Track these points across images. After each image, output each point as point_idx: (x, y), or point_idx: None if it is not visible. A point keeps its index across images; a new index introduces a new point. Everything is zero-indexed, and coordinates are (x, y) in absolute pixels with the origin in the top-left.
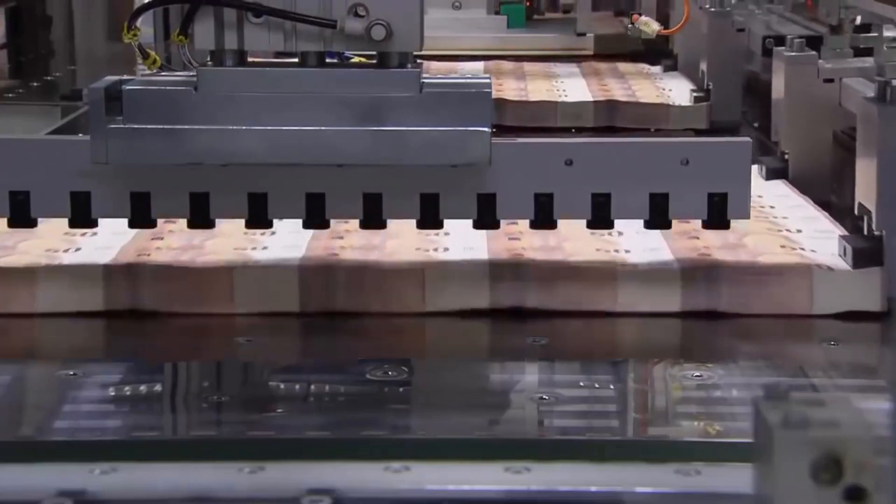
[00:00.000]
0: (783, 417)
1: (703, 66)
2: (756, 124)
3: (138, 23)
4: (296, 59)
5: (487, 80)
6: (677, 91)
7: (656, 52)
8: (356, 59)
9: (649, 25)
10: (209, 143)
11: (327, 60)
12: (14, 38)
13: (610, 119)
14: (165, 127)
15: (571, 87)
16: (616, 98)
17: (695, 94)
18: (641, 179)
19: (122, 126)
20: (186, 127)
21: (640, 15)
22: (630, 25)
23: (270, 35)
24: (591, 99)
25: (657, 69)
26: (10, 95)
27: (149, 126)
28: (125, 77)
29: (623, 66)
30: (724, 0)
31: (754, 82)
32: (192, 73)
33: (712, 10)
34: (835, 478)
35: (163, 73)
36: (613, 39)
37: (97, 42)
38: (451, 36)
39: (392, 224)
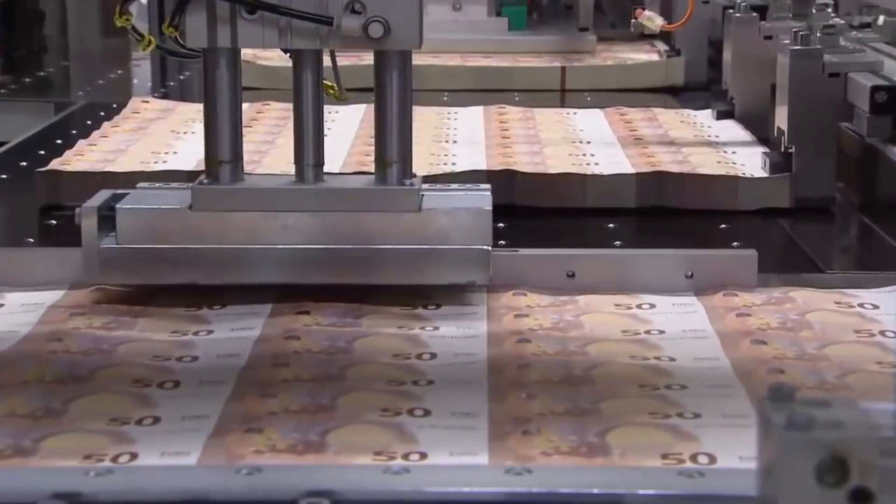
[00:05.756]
0: (787, 419)
1: (781, 122)
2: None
3: (132, 8)
4: (292, 174)
5: (487, 194)
6: (743, 153)
7: (699, 88)
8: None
9: (653, 20)
10: (203, 263)
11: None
12: (6, 34)
13: (659, 197)
14: (159, 247)
15: (601, 149)
16: (666, 169)
17: (770, 161)
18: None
19: (115, 246)
20: (180, 247)
21: (644, 9)
22: (633, 20)
23: (265, 32)
24: (633, 170)
25: (705, 115)
26: (3, 91)
27: (142, 246)
28: (118, 192)
29: (662, 115)
30: (809, 34)
31: (852, 145)
32: (185, 187)
33: (795, 47)
34: (840, 479)
35: (157, 185)
36: (616, 36)
37: (91, 37)
38: (450, 38)
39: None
